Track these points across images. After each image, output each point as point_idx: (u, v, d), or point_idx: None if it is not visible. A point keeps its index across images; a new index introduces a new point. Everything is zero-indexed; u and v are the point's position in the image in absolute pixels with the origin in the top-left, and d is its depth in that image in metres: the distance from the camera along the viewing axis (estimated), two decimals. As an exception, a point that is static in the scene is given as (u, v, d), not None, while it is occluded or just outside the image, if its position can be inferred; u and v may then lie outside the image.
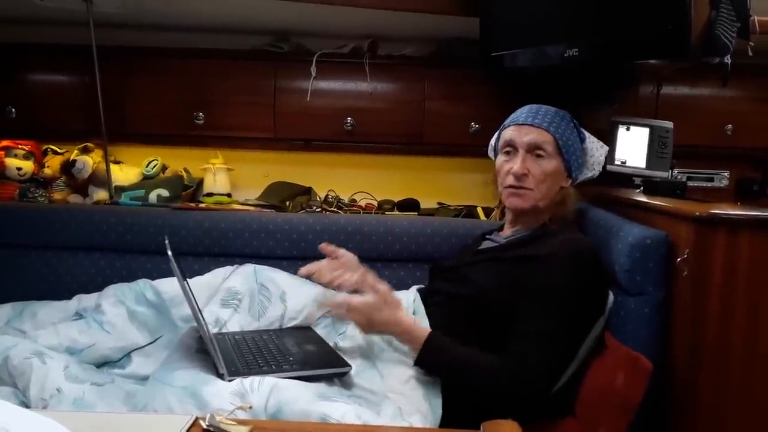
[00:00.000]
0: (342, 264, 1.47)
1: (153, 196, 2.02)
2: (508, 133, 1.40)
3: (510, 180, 1.37)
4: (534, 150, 1.36)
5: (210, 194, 2.10)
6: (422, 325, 1.26)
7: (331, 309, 1.31)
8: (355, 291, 1.43)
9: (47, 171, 2.07)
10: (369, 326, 1.25)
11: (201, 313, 1.26)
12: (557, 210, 1.40)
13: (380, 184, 2.19)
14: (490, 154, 1.55)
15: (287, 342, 1.35)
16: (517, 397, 1.15)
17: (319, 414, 1.03)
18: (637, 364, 1.15)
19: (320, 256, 1.53)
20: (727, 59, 1.37)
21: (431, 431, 1.07)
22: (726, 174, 2.19)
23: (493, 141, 1.53)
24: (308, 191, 2.14)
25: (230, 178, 2.15)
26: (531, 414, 1.13)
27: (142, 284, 1.54)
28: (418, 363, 1.20)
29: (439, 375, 1.20)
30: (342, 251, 1.50)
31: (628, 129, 1.68)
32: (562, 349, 1.20)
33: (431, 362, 1.20)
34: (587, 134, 1.47)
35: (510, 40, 1.74)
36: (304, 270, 1.45)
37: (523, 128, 1.38)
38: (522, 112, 1.42)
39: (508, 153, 1.40)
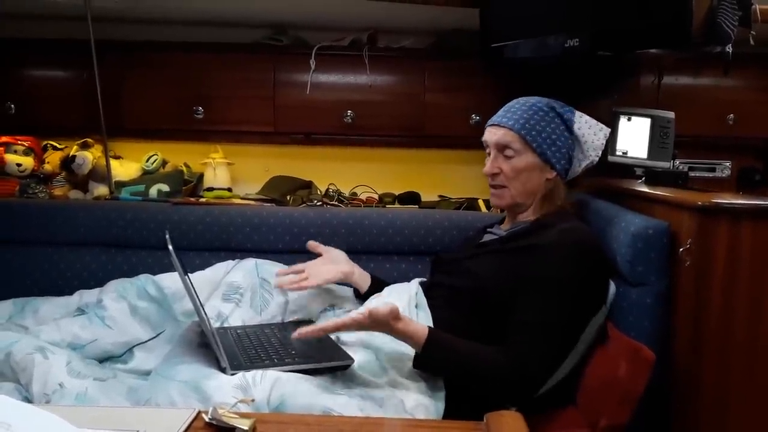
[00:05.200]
0: (329, 260, 1.53)
1: (153, 191, 2.02)
2: (484, 134, 1.44)
3: (488, 180, 1.43)
4: (503, 149, 1.38)
5: (210, 189, 2.10)
6: (421, 322, 1.25)
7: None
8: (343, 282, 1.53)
9: (47, 167, 2.07)
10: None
11: (203, 308, 1.26)
12: (547, 202, 1.40)
13: (381, 178, 2.19)
14: None
15: (289, 336, 1.34)
16: (517, 387, 1.16)
17: (322, 407, 1.03)
18: (639, 354, 1.15)
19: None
20: (729, 48, 1.37)
21: (434, 423, 1.07)
22: (728, 164, 2.18)
23: None
24: (309, 185, 2.13)
25: (230, 172, 2.14)
26: (530, 402, 1.14)
27: (144, 279, 1.53)
28: (417, 364, 1.20)
29: (440, 372, 1.20)
30: (328, 248, 1.56)
31: (629, 119, 1.67)
32: (560, 338, 1.20)
33: (431, 362, 1.20)
34: (582, 120, 1.40)
35: (510, 31, 1.73)
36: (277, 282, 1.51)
37: (492, 129, 1.42)
38: (497, 113, 1.44)
39: (487, 154, 1.44)
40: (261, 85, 2.08)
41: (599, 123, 1.42)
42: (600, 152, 1.42)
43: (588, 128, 1.41)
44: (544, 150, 1.37)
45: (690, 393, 1.21)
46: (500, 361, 1.17)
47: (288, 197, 2.03)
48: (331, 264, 1.53)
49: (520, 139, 1.36)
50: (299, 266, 1.53)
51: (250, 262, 1.60)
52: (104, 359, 1.41)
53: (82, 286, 1.65)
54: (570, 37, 1.54)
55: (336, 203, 1.98)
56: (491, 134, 1.41)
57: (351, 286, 1.57)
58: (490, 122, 1.43)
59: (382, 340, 1.28)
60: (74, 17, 1.88)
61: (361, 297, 1.54)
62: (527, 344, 1.17)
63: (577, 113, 1.42)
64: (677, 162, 1.72)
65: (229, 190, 2.12)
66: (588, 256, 1.24)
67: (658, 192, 1.38)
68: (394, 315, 1.16)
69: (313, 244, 1.57)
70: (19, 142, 2.06)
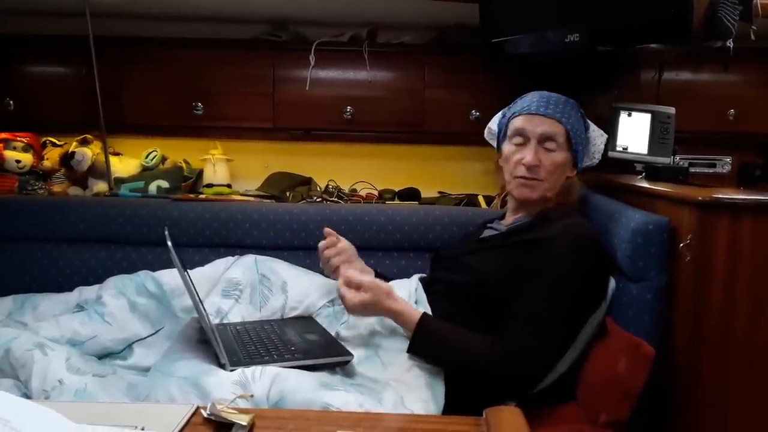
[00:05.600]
0: (346, 259, 1.49)
1: (153, 188, 2.01)
2: (519, 121, 1.38)
3: (521, 171, 1.36)
4: (545, 141, 1.35)
5: (210, 185, 2.09)
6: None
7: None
8: None
9: (46, 163, 2.07)
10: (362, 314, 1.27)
11: (202, 304, 1.26)
12: (562, 199, 1.40)
13: (381, 174, 2.18)
14: (488, 137, 1.55)
15: (289, 332, 1.34)
16: (512, 378, 1.16)
17: (321, 403, 1.03)
18: (639, 350, 1.15)
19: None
20: (730, 43, 1.36)
21: (433, 419, 1.06)
22: (728, 159, 2.18)
23: (493, 126, 1.52)
24: (308, 181, 2.13)
25: (230, 168, 2.14)
26: (530, 397, 1.14)
27: (143, 275, 1.53)
28: (412, 349, 1.20)
29: (433, 358, 1.20)
30: (343, 244, 1.51)
31: (629, 115, 1.67)
32: (560, 332, 1.20)
33: (423, 347, 1.20)
34: (590, 123, 1.47)
35: (510, 26, 1.73)
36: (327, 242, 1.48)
37: (535, 118, 1.36)
38: (533, 101, 1.39)
39: (518, 143, 1.39)
40: (260, 81, 2.07)
41: (599, 129, 1.48)
42: (600, 156, 1.47)
43: (593, 132, 1.46)
44: (578, 148, 1.37)
45: (690, 388, 1.21)
46: (498, 353, 1.17)
47: (287, 193, 2.03)
48: (350, 262, 1.49)
49: (565, 133, 1.36)
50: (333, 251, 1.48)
51: (249, 259, 1.60)
52: (103, 355, 1.40)
53: (82, 283, 1.65)
54: (570, 32, 1.54)
55: (336, 199, 1.98)
56: (536, 124, 1.35)
57: None
58: (531, 110, 1.37)
59: (381, 335, 1.28)
60: (73, 13, 1.87)
61: None
62: (526, 337, 1.17)
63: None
64: (677, 157, 1.71)
65: (229, 186, 2.12)
66: (590, 251, 1.24)
67: (659, 187, 1.38)
68: (387, 292, 1.21)
69: (329, 231, 1.51)
70: (18, 138, 2.05)
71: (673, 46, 1.59)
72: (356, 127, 2.10)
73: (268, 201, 1.95)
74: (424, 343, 1.20)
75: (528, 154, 1.34)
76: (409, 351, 1.20)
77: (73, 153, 2.02)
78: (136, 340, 1.43)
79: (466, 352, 1.19)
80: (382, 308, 1.23)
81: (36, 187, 2.01)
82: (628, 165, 1.70)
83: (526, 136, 1.37)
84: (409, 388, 1.15)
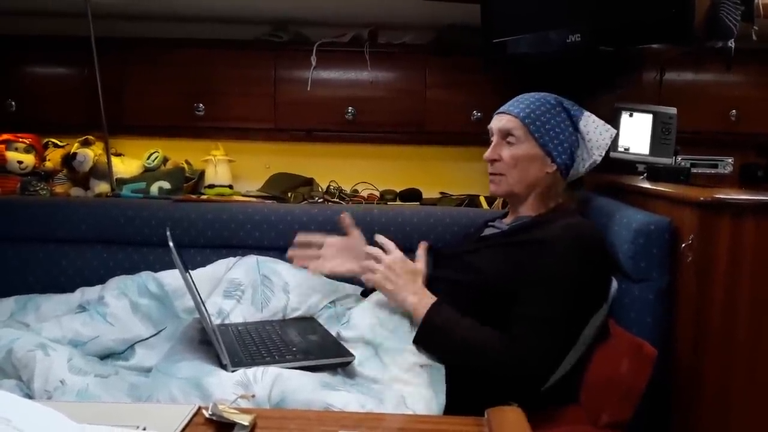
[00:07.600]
0: (347, 246, 1.52)
1: (154, 189, 2.02)
2: (491, 122, 1.45)
3: (488, 167, 1.43)
4: (505, 136, 1.39)
5: (211, 186, 2.10)
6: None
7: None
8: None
9: (48, 164, 2.07)
10: (391, 285, 1.29)
11: (204, 305, 1.26)
12: (546, 198, 1.39)
13: (382, 174, 2.18)
14: None
15: (290, 332, 1.35)
16: (516, 380, 1.15)
17: (323, 403, 1.03)
18: (641, 350, 1.15)
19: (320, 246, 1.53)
20: (731, 43, 1.36)
21: (435, 419, 1.06)
22: (730, 160, 2.17)
23: None
24: (310, 182, 2.13)
25: (231, 169, 2.14)
26: (529, 397, 1.13)
27: (145, 276, 1.54)
28: (417, 341, 1.21)
29: (438, 353, 1.20)
30: (354, 233, 1.55)
31: (631, 115, 1.67)
32: (563, 333, 1.20)
33: (429, 341, 1.21)
34: (589, 119, 1.41)
35: (512, 26, 1.73)
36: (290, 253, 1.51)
37: (498, 116, 1.43)
38: (506, 103, 1.45)
39: (491, 141, 1.44)
40: (262, 81, 2.08)
41: (606, 124, 1.42)
42: (603, 152, 1.41)
43: (594, 127, 1.41)
44: (546, 141, 1.36)
45: (691, 389, 1.21)
46: (503, 355, 1.16)
47: (289, 194, 2.03)
48: (347, 255, 1.51)
49: (522, 126, 1.37)
50: (319, 239, 1.52)
51: (251, 259, 1.60)
52: (105, 356, 1.41)
53: (84, 284, 1.65)
54: (572, 32, 1.54)
55: (337, 200, 1.98)
56: (496, 121, 1.42)
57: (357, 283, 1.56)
58: (497, 111, 1.45)
59: (382, 336, 1.28)
60: (74, 14, 1.88)
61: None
62: (525, 337, 1.17)
63: (586, 113, 1.42)
64: (679, 158, 1.71)
65: (230, 187, 2.12)
66: (591, 251, 1.24)
67: (660, 188, 1.38)
68: (418, 272, 1.29)
69: (346, 220, 1.55)
70: (20, 139, 2.06)
71: (675, 46, 1.58)
72: (358, 128, 2.11)
73: (270, 202, 1.95)
74: (429, 339, 1.20)
75: (488, 151, 1.42)
76: (415, 341, 1.21)
77: (75, 154, 2.03)
78: (138, 341, 1.44)
79: (473, 347, 1.18)
80: (411, 283, 1.28)
81: (38, 188, 2.02)
82: (629, 165, 1.70)
83: (491, 134, 1.43)
84: (411, 389, 1.15)
